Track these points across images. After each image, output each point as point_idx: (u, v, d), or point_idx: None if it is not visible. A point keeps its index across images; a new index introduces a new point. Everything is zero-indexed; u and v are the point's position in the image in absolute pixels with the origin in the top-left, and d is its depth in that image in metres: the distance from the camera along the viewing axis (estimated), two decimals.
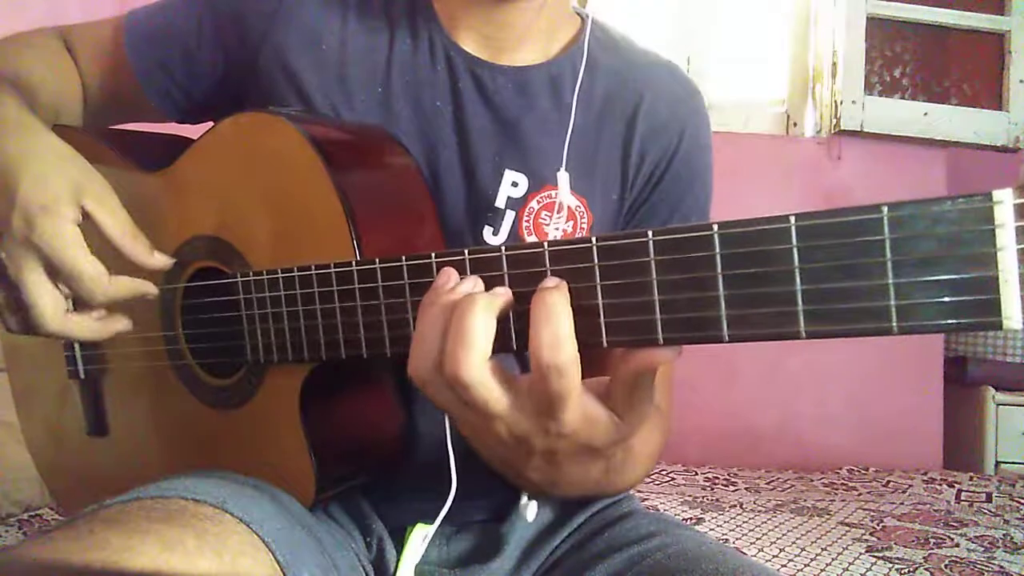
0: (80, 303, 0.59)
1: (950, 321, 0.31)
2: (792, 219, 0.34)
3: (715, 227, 0.36)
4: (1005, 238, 0.30)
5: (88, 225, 0.58)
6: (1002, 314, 0.30)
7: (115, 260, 0.59)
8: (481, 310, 0.41)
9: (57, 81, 0.73)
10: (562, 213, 0.68)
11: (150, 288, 0.61)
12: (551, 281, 0.41)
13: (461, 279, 0.44)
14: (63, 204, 0.56)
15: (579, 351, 0.41)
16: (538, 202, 0.68)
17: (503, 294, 0.42)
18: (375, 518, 0.69)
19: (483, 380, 0.41)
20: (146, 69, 0.74)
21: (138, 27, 0.74)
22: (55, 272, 0.57)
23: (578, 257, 0.40)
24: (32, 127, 0.60)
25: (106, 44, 0.76)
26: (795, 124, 2.55)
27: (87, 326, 0.60)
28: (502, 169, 0.68)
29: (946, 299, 0.31)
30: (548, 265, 0.41)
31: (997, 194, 0.30)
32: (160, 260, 0.61)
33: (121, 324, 0.62)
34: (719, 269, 0.36)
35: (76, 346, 0.74)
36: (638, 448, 0.61)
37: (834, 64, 2.37)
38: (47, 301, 0.57)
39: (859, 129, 2.35)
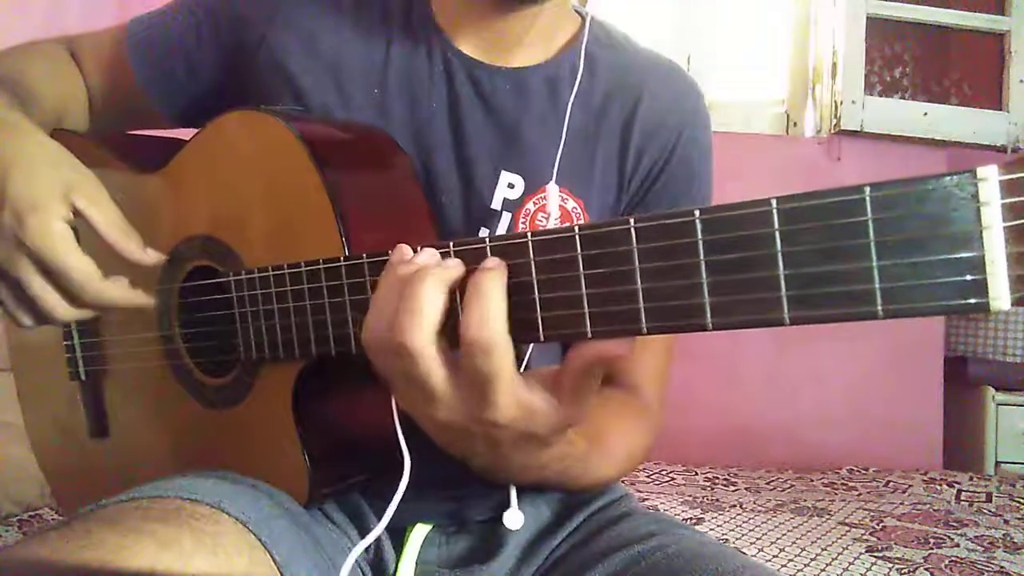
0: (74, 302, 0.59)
1: (937, 304, 0.30)
2: (774, 202, 0.33)
3: (696, 212, 0.35)
4: (991, 216, 0.29)
5: (80, 223, 0.58)
6: (989, 295, 0.30)
7: (109, 258, 0.59)
8: (431, 281, 0.42)
9: (61, 88, 0.74)
10: (557, 216, 0.68)
11: (144, 300, 0.61)
12: (490, 262, 0.42)
13: (417, 252, 0.45)
14: (52, 202, 0.56)
15: (564, 342, 0.41)
16: (534, 204, 0.68)
17: (454, 266, 0.43)
18: (373, 518, 0.68)
19: (427, 351, 0.42)
20: (149, 74, 0.75)
21: (139, 34, 0.75)
22: (46, 271, 0.57)
23: (562, 247, 0.40)
24: (22, 127, 0.60)
25: (109, 52, 0.77)
26: (795, 124, 2.55)
27: (111, 294, 0.58)
28: (498, 171, 0.68)
29: (932, 281, 0.30)
30: (532, 256, 0.41)
31: (982, 171, 0.29)
32: (152, 256, 0.61)
33: (142, 299, 0.60)
34: (702, 255, 0.35)
35: (77, 347, 0.74)
36: (611, 443, 0.62)
37: (834, 64, 2.37)
38: (51, 293, 0.57)
39: (859, 129, 2.35)
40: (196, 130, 0.67)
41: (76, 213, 0.58)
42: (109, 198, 0.60)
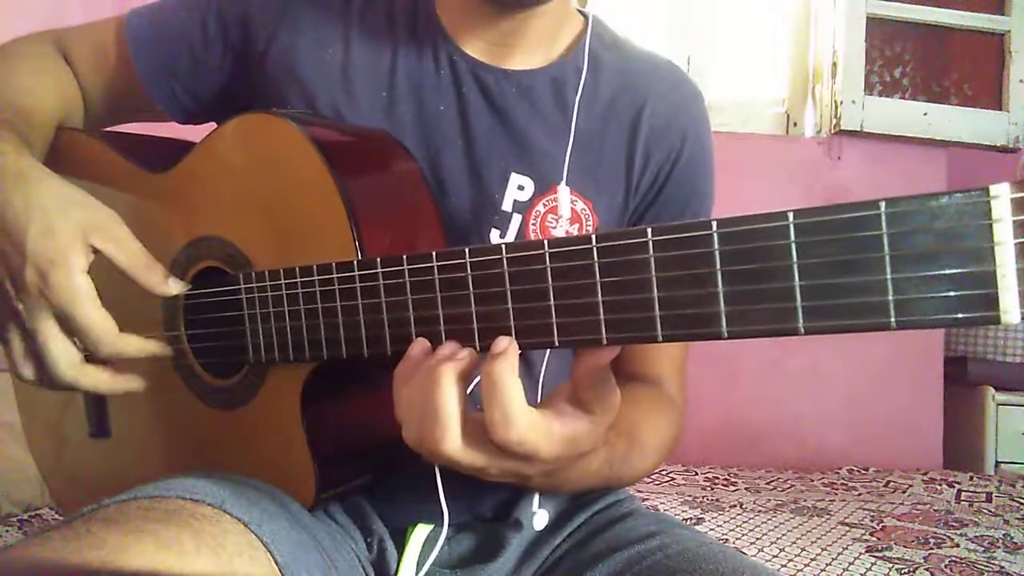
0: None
1: (948, 316, 0.31)
2: (790, 216, 0.34)
3: (714, 224, 0.36)
4: (1002, 233, 0.30)
5: (102, 259, 0.58)
6: (1000, 308, 0.30)
7: (131, 288, 0.59)
8: (446, 381, 0.43)
9: (57, 94, 0.73)
10: (567, 216, 0.68)
11: (158, 349, 0.61)
12: (500, 344, 0.43)
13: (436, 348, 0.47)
14: (72, 254, 0.56)
15: (578, 348, 0.41)
16: (544, 205, 0.69)
17: (464, 358, 0.44)
18: (375, 518, 0.69)
19: (463, 451, 0.44)
20: (151, 72, 0.74)
21: (141, 30, 0.74)
22: (66, 325, 0.57)
23: (578, 255, 0.40)
24: (32, 175, 0.60)
25: (107, 47, 0.75)
26: (795, 124, 2.55)
27: (99, 378, 0.60)
28: (508, 173, 0.68)
29: (944, 294, 0.31)
30: (548, 263, 0.41)
31: (994, 189, 0.30)
32: (175, 287, 0.61)
33: (134, 383, 0.61)
34: (718, 266, 0.36)
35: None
36: (647, 438, 0.64)
37: (834, 64, 2.37)
38: (61, 353, 0.58)
39: (859, 129, 2.35)
40: (196, 128, 0.66)
41: (96, 251, 0.58)
42: (127, 231, 0.60)
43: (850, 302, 0.33)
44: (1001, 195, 0.30)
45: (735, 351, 2.35)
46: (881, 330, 0.32)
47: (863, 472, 2.19)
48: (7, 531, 1.32)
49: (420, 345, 0.47)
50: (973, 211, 0.31)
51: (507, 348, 0.43)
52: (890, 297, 0.32)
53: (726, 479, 2.07)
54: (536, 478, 0.48)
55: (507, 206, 0.68)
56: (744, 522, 1.63)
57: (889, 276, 0.32)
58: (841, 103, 2.35)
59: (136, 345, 0.59)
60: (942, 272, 0.31)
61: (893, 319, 0.32)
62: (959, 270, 0.31)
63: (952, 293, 0.31)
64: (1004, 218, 0.30)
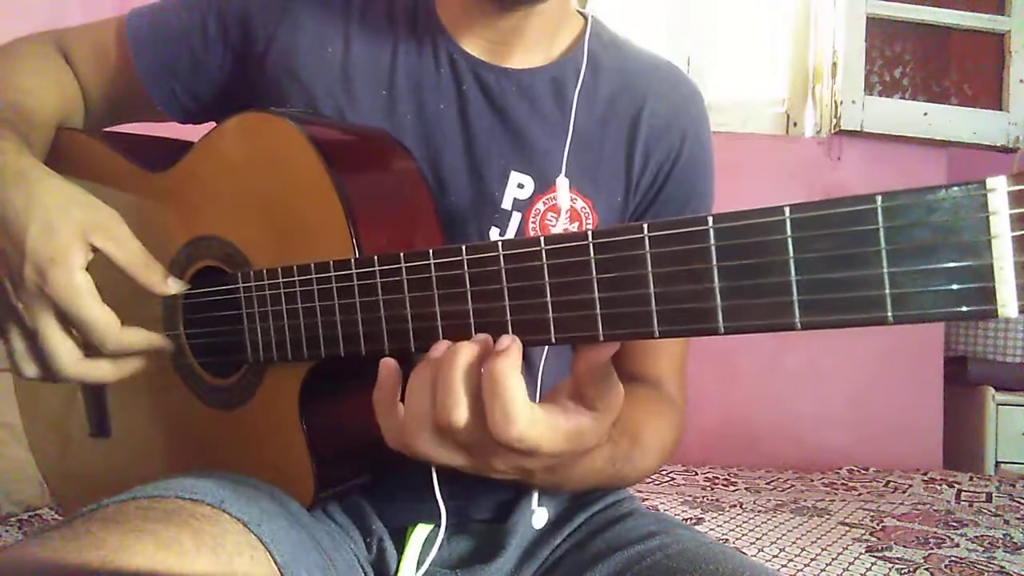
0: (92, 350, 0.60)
1: (945, 310, 0.31)
2: (787, 210, 0.34)
3: (710, 220, 0.36)
4: (999, 226, 0.30)
5: (101, 256, 0.58)
6: (997, 302, 0.30)
7: (130, 287, 0.59)
8: (460, 362, 0.43)
9: (57, 94, 0.73)
10: (566, 215, 0.69)
11: (163, 342, 0.61)
12: (503, 342, 0.43)
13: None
14: (72, 253, 0.56)
15: (575, 344, 0.41)
16: (544, 203, 0.69)
17: (482, 340, 0.44)
18: (375, 518, 0.69)
19: (470, 423, 0.44)
20: (151, 72, 0.74)
21: (141, 30, 0.74)
22: (68, 322, 0.57)
23: (574, 251, 0.40)
24: (32, 174, 0.60)
25: (107, 48, 0.76)
26: (795, 124, 2.55)
27: (105, 369, 0.59)
28: (508, 171, 0.69)
29: (941, 288, 0.31)
30: (544, 260, 0.41)
31: (991, 182, 0.30)
32: (174, 286, 0.61)
33: (134, 364, 0.61)
34: (714, 261, 0.36)
35: None
36: (648, 439, 0.64)
37: (834, 64, 2.37)
38: (64, 348, 0.58)
39: (859, 129, 2.35)
40: (195, 128, 0.66)
41: (96, 251, 0.58)
42: (127, 230, 0.60)
43: (847, 296, 0.33)
44: (998, 188, 0.30)
45: (734, 349, 2.35)
46: (878, 324, 0.32)
47: (863, 472, 2.19)
48: (7, 531, 1.33)
49: (390, 367, 0.47)
50: (970, 204, 0.31)
51: (510, 346, 0.42)
52: (887, 291, 0.32)
53: (726, 479, 2.07)
54: (539, 474, 0.48)
55: (507, 204, 0.68)
56: (744, 522, 1.63)
57: (886, 270, 0.32)
58: (841, 103, 2.35)
59: (141, 338, 0.59)
60: (939, 266, 0.31)
61: (890, 313, 0.32)
62: (956, 264, 0.31)
63: (949, 287, 0.31)
64: (1001, 211, 0.30)
